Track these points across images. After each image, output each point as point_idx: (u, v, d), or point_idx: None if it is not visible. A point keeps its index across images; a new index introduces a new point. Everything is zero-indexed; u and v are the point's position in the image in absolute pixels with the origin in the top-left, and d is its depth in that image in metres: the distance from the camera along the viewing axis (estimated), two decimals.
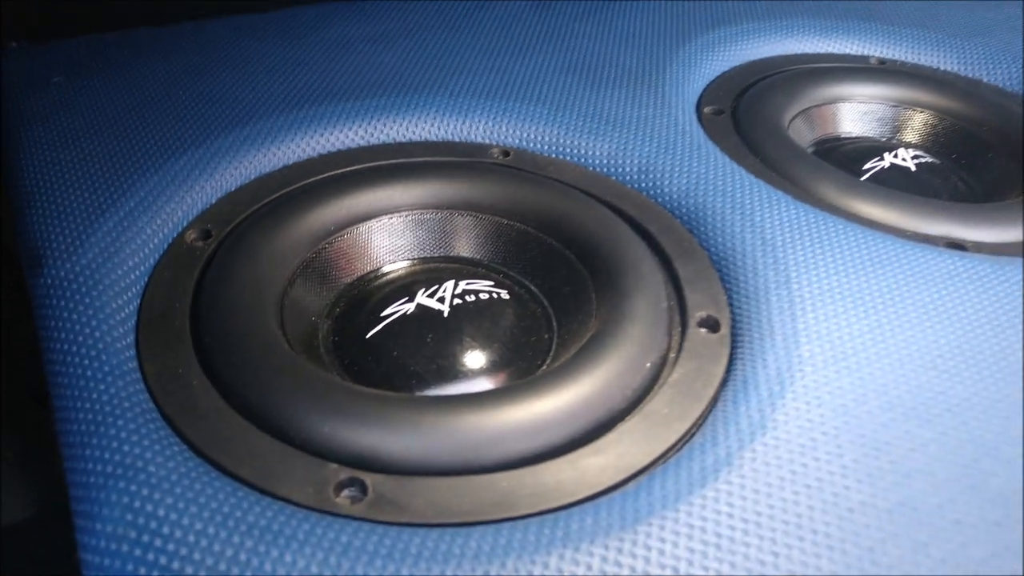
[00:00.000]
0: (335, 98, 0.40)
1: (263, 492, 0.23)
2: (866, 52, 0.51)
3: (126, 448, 0.23)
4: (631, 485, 0.23)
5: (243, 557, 0.21)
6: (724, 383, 0.27)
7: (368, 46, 0.46)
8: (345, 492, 0.23)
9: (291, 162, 0.36)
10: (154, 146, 0.36)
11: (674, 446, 0.24)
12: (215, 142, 0.36)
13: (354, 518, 0.22)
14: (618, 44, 0.47)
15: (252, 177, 0.35)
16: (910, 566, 0.21)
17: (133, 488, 0.22)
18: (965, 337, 0.28)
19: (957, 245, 0.34)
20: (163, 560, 0.21)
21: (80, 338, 0.26)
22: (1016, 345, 0.28)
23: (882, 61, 0.51)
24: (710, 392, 0.26)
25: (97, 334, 0.26)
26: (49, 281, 0.28)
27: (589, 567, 0.21)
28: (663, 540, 0.21)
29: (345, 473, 0.24)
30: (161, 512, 0.22)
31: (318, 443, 0.24)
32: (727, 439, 0.24)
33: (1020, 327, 0.28)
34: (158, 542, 0.21)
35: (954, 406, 0.25)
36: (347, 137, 0.38)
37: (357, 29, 0.48)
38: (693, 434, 0.25)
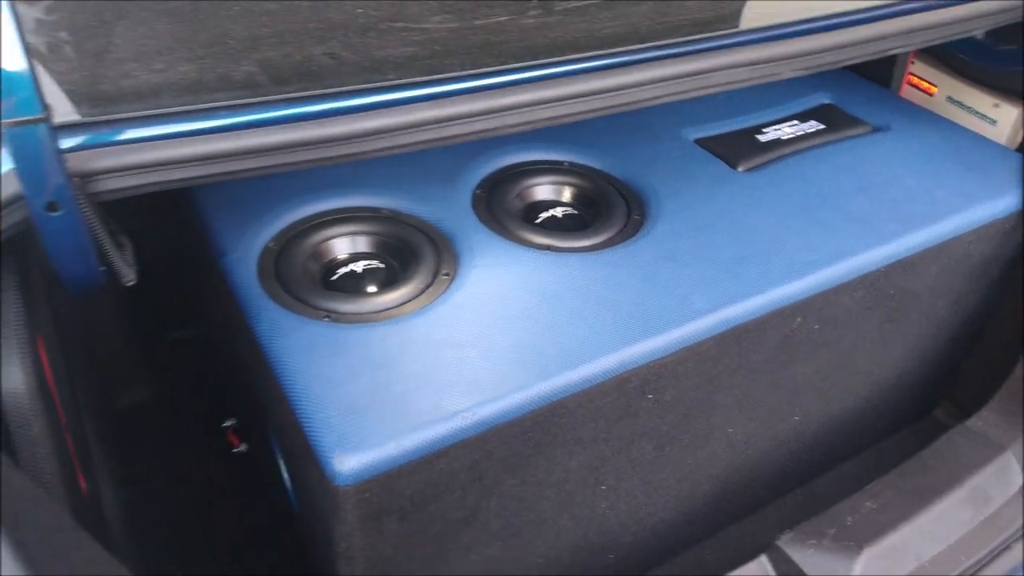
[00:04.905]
0: (341, 185, 0.98)
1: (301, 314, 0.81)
2: (562, 159, 1.10)
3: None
4: (425, 308, 0.82)
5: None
6: (446, 289, 0.86)
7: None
8: (326, 319, 0.81)
9: (310, 214, 0.94)
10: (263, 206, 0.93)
11: (433, 303, 0.83)
12: (283, 201, 0.94)
13: (330, 324, 0.80)
14: (441, 159, 1.06)
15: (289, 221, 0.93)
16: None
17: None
18: (542, 280, 0.87)
19: (549, 248, 0.94)
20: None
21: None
22: (554, 284, 0.87)
23: (572, 164, 1.10)
24: (441, 291, 0.85)
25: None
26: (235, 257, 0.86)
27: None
28: (437, 321, 0.80)
29: (326, 315, 0.82)
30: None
31: (318, 306, 0.82)
32: (447, 297, 0.83)
33: (565, 280, 0.88)
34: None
35: (525, 313, 0.84)
36: (332, 203, 0.96)
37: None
38: (438, 298, 0.84)
